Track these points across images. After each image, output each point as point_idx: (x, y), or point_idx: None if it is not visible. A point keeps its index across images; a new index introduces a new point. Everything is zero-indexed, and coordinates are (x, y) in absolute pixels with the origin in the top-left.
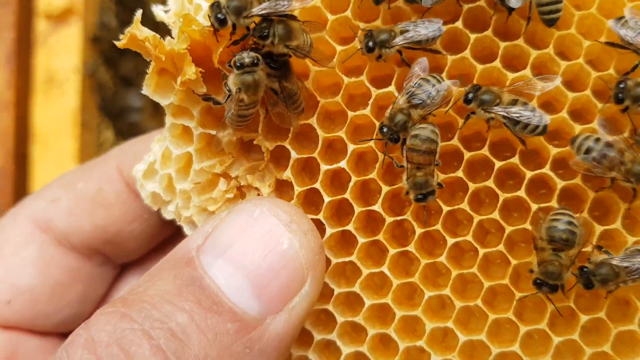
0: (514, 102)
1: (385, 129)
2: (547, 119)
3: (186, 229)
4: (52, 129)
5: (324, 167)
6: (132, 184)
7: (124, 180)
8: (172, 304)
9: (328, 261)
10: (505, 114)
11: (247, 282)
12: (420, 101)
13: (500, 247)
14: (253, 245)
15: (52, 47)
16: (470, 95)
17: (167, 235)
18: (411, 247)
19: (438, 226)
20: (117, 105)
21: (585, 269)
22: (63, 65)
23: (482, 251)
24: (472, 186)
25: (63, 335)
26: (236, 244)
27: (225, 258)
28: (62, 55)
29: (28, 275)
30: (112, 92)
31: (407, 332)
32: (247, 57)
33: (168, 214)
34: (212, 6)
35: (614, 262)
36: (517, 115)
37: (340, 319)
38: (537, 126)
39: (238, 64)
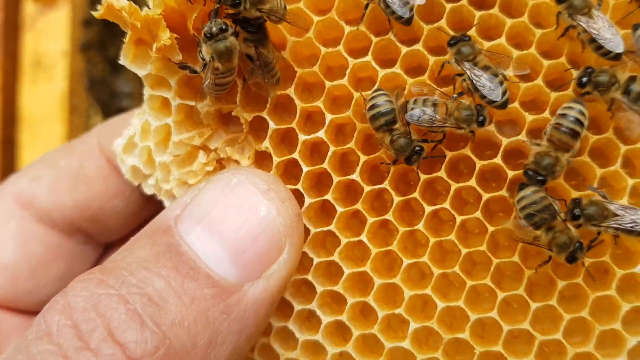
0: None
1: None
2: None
3: (166, 203)
4: (40, 113)
5: (302, 137)
6: (113, 160)
7: (105, 156)
8: (149, 270)
9: (307, 231)
10: None
11: (225, 249)
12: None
13: (478, 214)
14: (230, 213)
15: (40, 30)
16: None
17: (151, 213)
18: (390, 216)
19: (416, 194)
20: (107, 89)
21: (578, 200)
22: (51, 48)
23: (459, 218)
24: (449, 154)
25: None
26: (213, 212)
27: (202, 225)
28: (50, 38)
29: (9, 251)
30: (101, 77)
31: (387, 301)
32: (214, 25)
33: (148, 188)
34: None
35: (609, 205)
36: None
37: (319, 288)
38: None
39: (208, 35)
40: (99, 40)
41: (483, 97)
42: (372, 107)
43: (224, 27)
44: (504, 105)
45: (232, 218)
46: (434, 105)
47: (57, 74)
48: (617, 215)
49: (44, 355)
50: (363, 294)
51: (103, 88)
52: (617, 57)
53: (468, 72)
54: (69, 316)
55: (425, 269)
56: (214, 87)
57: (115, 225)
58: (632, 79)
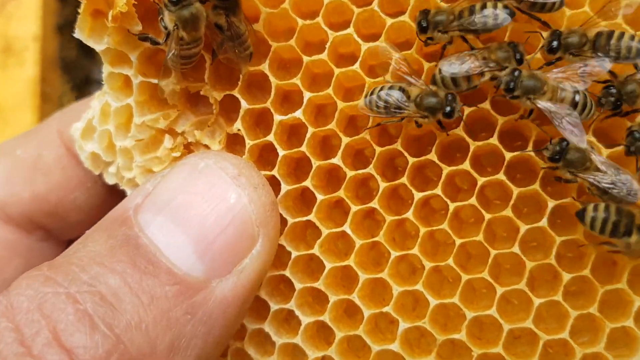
0: None
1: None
2: None
3: (129, 193)
4: (10, 100)
5: (278, 117)
6: (73, 148)
7: (65, 144)
8: (103, 266)
9: (284, 221)
10: None
11: (190, 241)
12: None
13: (473, 200)
14: (196, 200)
15: (10, 13)
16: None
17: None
18: (376, 204)
19: (404, 179)
20: (81, 73)
21: (565, 142)
22: (21, 32)
23: (452, 206)
24: (440, 135)
25: None
26: (178, 199)
27: (164, 214)
28: (20, 22)
29: None
30: (76, 59)
31: (374, 299)
32: None
33: (110, 177)
34: None
35: (595, 157)
36: None
37: (298, 285)
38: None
39: (171, 0)
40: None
41: None
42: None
43: None
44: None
45: (198, 206)
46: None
47: (27, 59)
48: (599, 170)
49: None
50: (347, 291)
51: (77, 71)
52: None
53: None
54: (11, 318)
55: (415, 263)
56: (178, 60)
57: (77, 220)
58: (599, 35)
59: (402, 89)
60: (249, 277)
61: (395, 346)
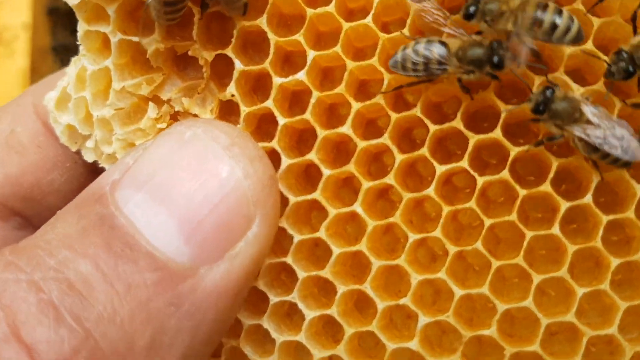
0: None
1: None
2: None
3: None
4: None
5: (277, 80)
6: (49, 124)
7: (41, 119)
8: (73, 249)
9: (285, 201)
10: None
11: (174, 221)
12: None
13: (505, 174)
14: (182, 175)
15: None
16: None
17: None
18: (391, 180)
19: (424, 150)
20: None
21: (551, 89)
22: (11, 21)
23: (480, 180)
24: (465, 100)
25: None
26: (161, 174)
27: (145, 191)
28: (9, 10)
29: None
30: (68, 44)
31: (389, 290)
32: None
33: (88, 153)
34: None
35: (585, 107)
36: None
37: (302, 274)
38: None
39: None
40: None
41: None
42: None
43: None
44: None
45: (184, 181)
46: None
47: (17, 49)
48: (590, 122)
49: None
50: (358, 281)
51: (70, 57)
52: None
53: None
54: None
55: (436, 248)
56: (162, 9)
57: (55, 205)
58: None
59: (442, 42)
60: (244, 263)
61: (413, 344)
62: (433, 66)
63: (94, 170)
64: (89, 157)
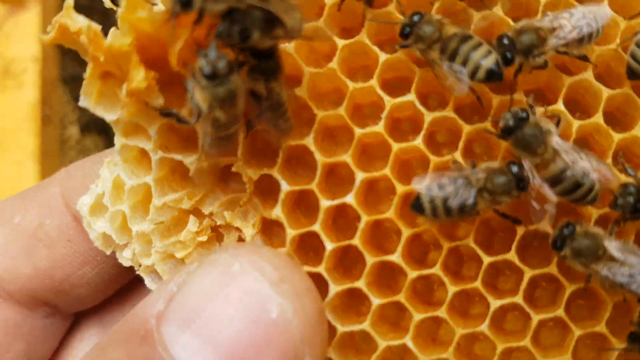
0: None
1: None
2: None
3: (147, 281)
4: (9, 125)
5: (324, 203)
6: (80, 217)
7: (71, 212)
8: None
9: (332, 331)
10: None
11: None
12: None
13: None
14: (230, 313)
15: (8, 33)
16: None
17: (130, 278)
18: (443, 313)
19: (478, 284)
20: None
21: (571, 225)
22: (20, 54)
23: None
24: None
25: None
26: (207, 310)
27: (192, 331)
28: (19, 43)
29: None
30: (77, 73)
31: None
32: (219, 62)
33: (124, 260)
34: None
35: (609, 242)
36: None
37: None
38: None
39: (207, 73)
40: None
41: None
42: None
43: (228, 65)
44: None
45: (231, 321)
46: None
47: (27, 81)
48: (614, 259)
49: None
50: None
51: (80, 87)
52: None
53: None
54: None
55: None
56: (216, 144)
57: (86, 295)
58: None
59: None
60: None
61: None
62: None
63: None
64: (125, 263)
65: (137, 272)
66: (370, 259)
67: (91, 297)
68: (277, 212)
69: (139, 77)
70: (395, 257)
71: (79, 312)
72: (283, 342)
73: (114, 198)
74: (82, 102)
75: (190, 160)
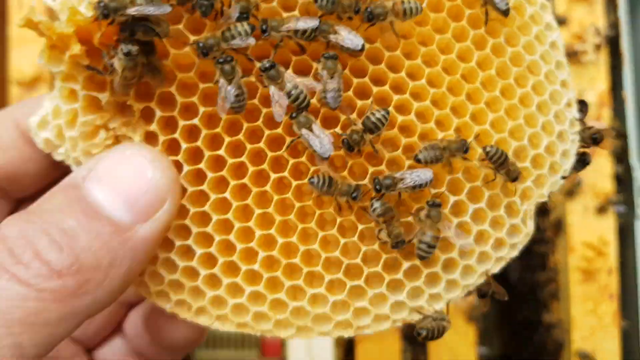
0: None
1: None
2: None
3: (74, 168)
4: None
5: (181, 122)
6: (25, 133)
7: (19, 130)
8: (63, 213)
9: (185, 190)
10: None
11: (121, 200)
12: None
13: None
14: (126, 174)
15: None
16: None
17: (57, 175)
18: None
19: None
20: None
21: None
22: None
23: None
24: None
25: None
26: (112, 174)
27: (104, 183)
28: None
29: None
30: None
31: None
32: (133, 49)
33: (58, 155)
34: (98, 5)
35: (396, 174)
36: None
37: (194, 229)
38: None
39: (125, 52)
40: None
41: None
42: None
43: (136, 50)
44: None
45: (126, 178)
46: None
47: None
48: (403, 179)
49: None
50: (225, 232)
51: None
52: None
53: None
54: (4, 244)
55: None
56: (122, 88)
57: (28, 183)
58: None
59: None
60: (161, 223)
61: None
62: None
63: (56, 163)
64: (58, 158)
65: (67, 163)
66: (207, 153)
67: (32, 185)
68: (154, 127)
69: (77, 48)
70: (222, 152)
71: (19, 198)
72: (155, 190)
73: (54, 117)
74: (39, 61)
75: (102, 96)
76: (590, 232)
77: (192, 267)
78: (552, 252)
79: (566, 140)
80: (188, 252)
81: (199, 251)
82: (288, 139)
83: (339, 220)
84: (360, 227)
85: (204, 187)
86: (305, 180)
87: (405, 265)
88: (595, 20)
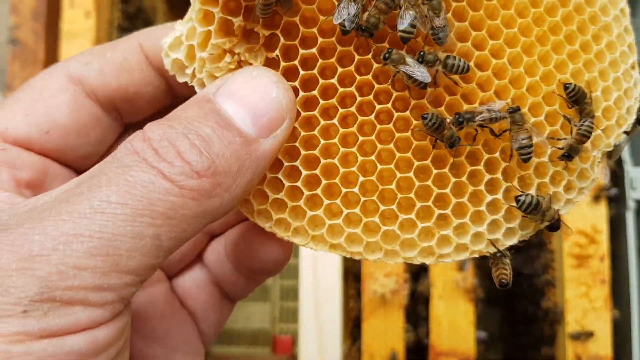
0: None
1: None
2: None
3: (197, 88)
4: None
5: (301, 51)
6: (150, 57)
7: (144, 53)
8: (200, 122)
9: (298, 113)
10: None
11: (248, 115)
12: None
13: None
14: (252, 93)
15: None
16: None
17: (167, 104)
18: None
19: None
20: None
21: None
22: None
23: None
24: None
25: (80, 170)
26: (241, 91)
27: (233, 99)
28: None
29: (63, 114)
30: None
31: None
32: None
33: (183, 77)
34: None
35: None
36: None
37: (302, 151)
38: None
39: None
40: None
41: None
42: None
43: None
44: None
45: (253, 96)
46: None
47: None
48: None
49: (133, 163)
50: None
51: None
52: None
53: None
54: (149, 144)
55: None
56: (262, 11)
57: (143, 108)
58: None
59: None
60: (279, 140)
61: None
62: None
63: (169, 91)
64: (182, 79)
65: (191, 84)
66: (321, 81)
67: (144, 110)
68: (276, 54)
69: None
70: (334, 80)
71: (128, 124)
72: (277, 109)
73: (187, 38)
74: None
75: (236, 20)
76: (584, 221)
77: (296, 187)
78: (550, 241)
79: (630, 97)
80: (294, 173)
81: (304, 172)
82: (392, 73)
83: (433, 152)
84: (451, 160)
85: (315, 112)
86: (407, 113)
87: (489, 198)
88: None
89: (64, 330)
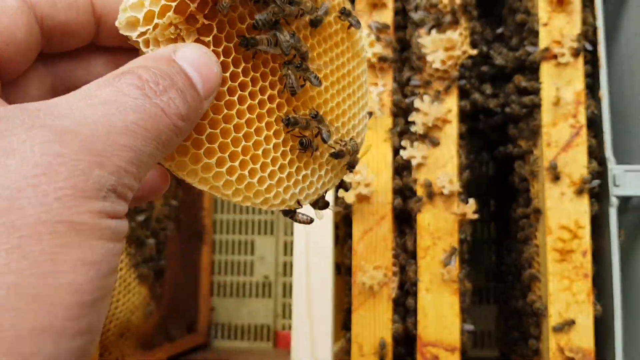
0: None
1: None
2: None
3: (142, 45)
4: None
5: (224, 44)
6: (95, 5)
7: (92, 1)
8: (177, 78)
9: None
10: None
11: (201, 80)
12: None
13: None
14: (203, 62)
15: None
16: None
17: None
18: None
19: None
20: None
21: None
22: None
23: None
24: None
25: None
26: (196, 59)
27: (189, 64)
28: None
29: (21, 32)
30: None
31: None
32: None
33: (129, 32)
34: None
35: None
36: None
37: (211, 115)
38: None
39: None
40: None
41: None
42: None
43: None
44: None
45: (204, 66)
46: None
47: None
48: None
49: (128, 82)
50: None
51: None
52: None
53: None
54: (141, 81)
55: None
56: (224, 8)
57: (65, 48)
58: None
59: None
60: (210, 103)
61: None
62: None
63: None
64: (126, 33)
65: (135, 39)
66: (232, 68)
67: (18, 69)
68: (209, 39)
69: None
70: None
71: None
72: (215, 80)
73: (151, 4)
74: None
75: (192, 5)
76: (566, 216)
77: (201, 139)
78: (534, 236)
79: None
80: (201, 129)
81: (209, 130)
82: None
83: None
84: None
85: (224, 88)
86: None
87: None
88: (574, 28)
89: (121, 215)
